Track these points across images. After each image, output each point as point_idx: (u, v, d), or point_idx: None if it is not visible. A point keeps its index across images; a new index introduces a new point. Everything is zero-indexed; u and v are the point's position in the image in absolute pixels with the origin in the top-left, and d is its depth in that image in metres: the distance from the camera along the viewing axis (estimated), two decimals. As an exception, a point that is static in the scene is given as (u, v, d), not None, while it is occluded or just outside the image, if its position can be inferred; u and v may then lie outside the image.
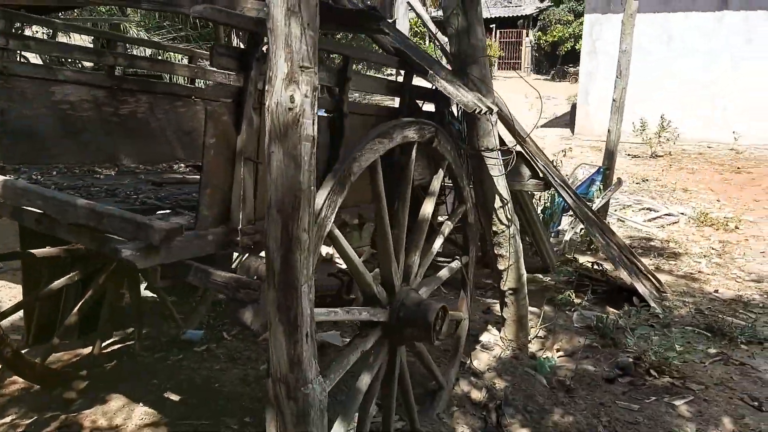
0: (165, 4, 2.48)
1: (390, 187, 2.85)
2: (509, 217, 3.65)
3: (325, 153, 2.53)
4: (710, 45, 12.01)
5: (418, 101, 3.26)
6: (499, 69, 32.06)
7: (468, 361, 3.93)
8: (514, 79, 29.78)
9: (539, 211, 6.14)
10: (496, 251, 3.80)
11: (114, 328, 4.06)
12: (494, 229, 3.71)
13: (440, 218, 4.09)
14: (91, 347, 3.76)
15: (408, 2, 8.15)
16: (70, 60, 5.94)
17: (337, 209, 2.24)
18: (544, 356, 3.92)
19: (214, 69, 3.28)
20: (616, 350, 4.08)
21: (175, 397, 3.43)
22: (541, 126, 15.52)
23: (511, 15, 32.48)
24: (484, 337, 4.21)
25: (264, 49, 1.99)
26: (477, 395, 3.61)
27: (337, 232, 2.31)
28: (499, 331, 4.15)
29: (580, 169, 6.63)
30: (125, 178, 3.02)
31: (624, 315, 4.50)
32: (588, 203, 6.14)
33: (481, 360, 3.96)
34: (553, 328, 4.42)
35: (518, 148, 3.99)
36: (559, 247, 6.08)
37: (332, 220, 2.22)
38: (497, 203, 3.60)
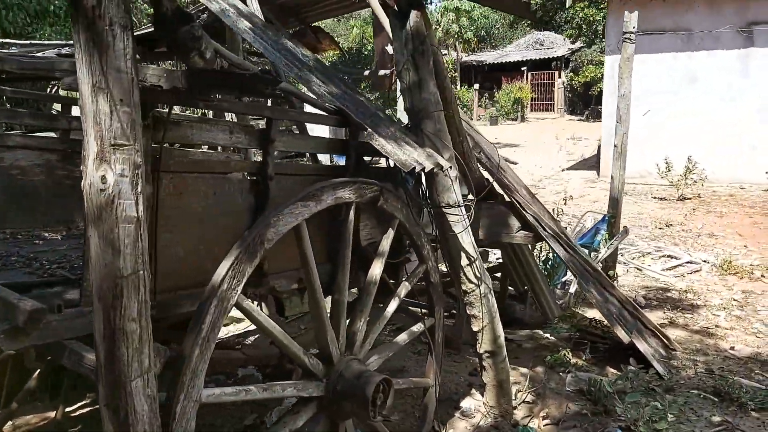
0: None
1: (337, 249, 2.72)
2: (478, 275, 3.44)
3: (248, 219, 2.42)
4: (736, 83, 11.60)
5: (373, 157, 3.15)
6: (531, 110, 31.98)
7: (442, 430, 3.67)
8: (547, 120, 29.61)
9: (541, 262, 5.86)
10: (468, 311, 3.57)
11: (80, 393, 3.97)
12: (464, 288, 3.50)
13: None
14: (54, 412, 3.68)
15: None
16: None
17: (245, 279, 2.11)
18: (525, 425, 3.62)
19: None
20: (607, 418, 3.74)
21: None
22: (568, 168, 15.20)
23: (543, 57, 32.52)
24: (466, 403, 3.94)
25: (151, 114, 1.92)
26: (448, 469, 3.35)
27: (247, 303, 2.17)
28: (483, 395, 3.89)
29: (588, 216, 6.34)
30: (68, 243, 2.97)
31: (621, 377, 4.16)
32: (593, 253, 5.85)
33: (457, 429, 3.69)
34: (542, 392, 4.11)
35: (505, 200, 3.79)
36: (564, 299, 5.77)
37: (238, 292, 2.09)
38: (464, 261, 3.41)
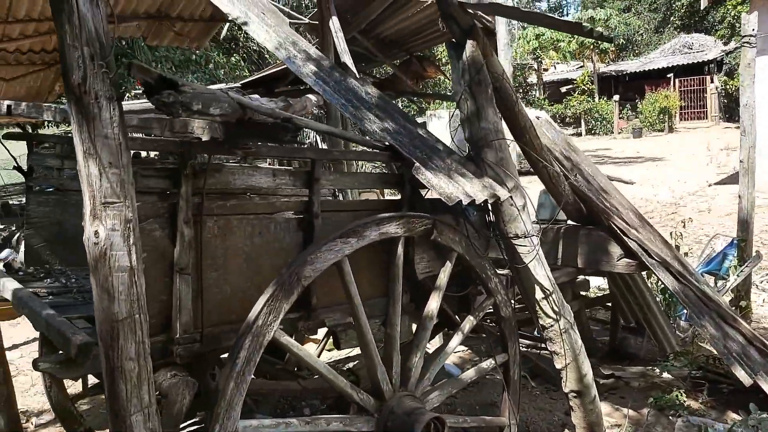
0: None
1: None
2: (556, 309, 3.25)
3: (295, 255, 2.52)
4: None
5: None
6: (681, 120, 29.52)
7: (525, 473, 3.49)
8: (699, 129, 27.10)
9: (659, 291, 5.35)
10: (549, 348, 3.38)
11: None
12: (541, 323, 3.32)
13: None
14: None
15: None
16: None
17: (281, 315, 2.20)
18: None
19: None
20: (717, 472, 3.32)
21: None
22: (716, 183, 13.79)
23: (692, 62, 29.99)
24: (556, 444, 3.72)
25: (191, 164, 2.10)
26: None
27: (286, 339, 2.26)
28: (575, 436, 3.63)
29: (717, 240, 5.68)
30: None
31: (741, 424, 3.67)
32: (720, 281, 5.25)
33: (542, 472, 3.49)
34: (645, 436, 3.75)
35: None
36: (688, 333, 5.22)
37: (274, 327, 2.18)
38: (538, 294, 3.23)
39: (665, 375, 4.55)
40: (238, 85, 6.82)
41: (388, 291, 2.82)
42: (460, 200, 2.83)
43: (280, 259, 2.47)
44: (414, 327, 3.11)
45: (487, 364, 3.14)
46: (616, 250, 4.37)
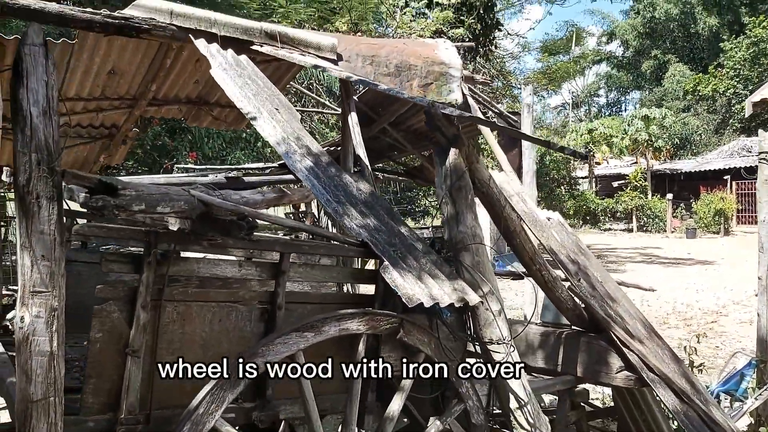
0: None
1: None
2: (531, 420, 3.16)
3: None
4: None
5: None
6: (739, 223, 28.61)
7: None
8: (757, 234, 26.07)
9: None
10: (525, 460, 3.26)
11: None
12: (516, 433, 3.23)
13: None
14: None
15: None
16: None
17: (224, 405, 2.26)
18: None
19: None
20: None
21: None
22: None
23: (751, 165, 29.35)
24: None
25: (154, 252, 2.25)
26: None
27: (227, 429, 2.30)
28: None
29: (739, 358, 5.38)
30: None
31: None
32: (737, 403, 4.96)
33: None
34: None
35: (531, 327, 3.51)
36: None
37: (216, 417, 2.24)
38: (513, 404, 3.17)
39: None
40: (270, 165, 7.13)
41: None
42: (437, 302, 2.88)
43: (239, 347, 2.54)
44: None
45: (453, 472, 3.05)
46: (615, 361, 4.23)
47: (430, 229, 17.35)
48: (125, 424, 2.23)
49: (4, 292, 3.35)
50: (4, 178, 3.35)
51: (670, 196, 28.99)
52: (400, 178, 8.68)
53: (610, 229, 32.10)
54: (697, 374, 5.48)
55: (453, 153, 3.15)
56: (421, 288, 2.76)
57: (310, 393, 2.49)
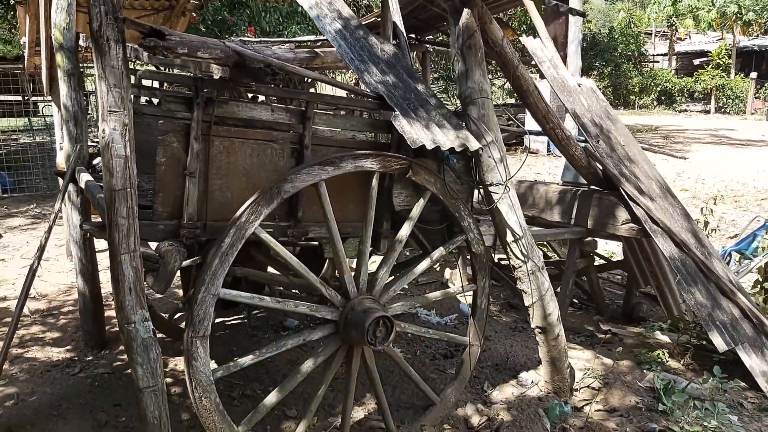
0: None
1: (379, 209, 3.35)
2: (525, 252, 3.69)
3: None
4: None
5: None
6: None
7: (489, 390, 4.02)
8: None
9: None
10: (519, 286, 3.84)
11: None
12: (512, 263, 3.78)
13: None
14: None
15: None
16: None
17: (262, 217, 2.88)
18: (565, 402, 3.77)
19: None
20: (659, 417, 3.67)
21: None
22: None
23: None
24: (526, 375, 4.19)
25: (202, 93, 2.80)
26: (476, 421, 3.73)
27: (264, 235, 2.94)
28: (549, 372, 4.09)
29: (758, 222, 5.58)
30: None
31: (704, 382, 3.94)
32: (745, 261, 5.31)
33: (504, 392, 4.00)
34: (612, 382, 4.12)
35: (551, 186, 3.93)
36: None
37: (255, 225, 2.87)
38: (509, 237, 3.69)
39: (660, 337, 4.80)
40: (322, 38, 7.46)
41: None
42: (450, 149, 3.35)
43: (274, 177, 3.14)
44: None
45: (453, 289, 3.68)
46: (622, 214, 4.64)
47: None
48: (187, 228, 2.91)
49: (89, 143, 4.07)
50: (81, 42, 3.93)
51: (754, 74, 27.07)
52: (448, 49, 8.80)
53: (685, 111, 30.59)
54: (710, 236, 5.81)
55: (465, 13, 3.45)
56: (426, 134, 3.23)
57: (331, 214, 3.08)
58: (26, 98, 11.55)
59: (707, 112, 29.49)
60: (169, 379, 4.08)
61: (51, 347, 4.72)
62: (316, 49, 3.85)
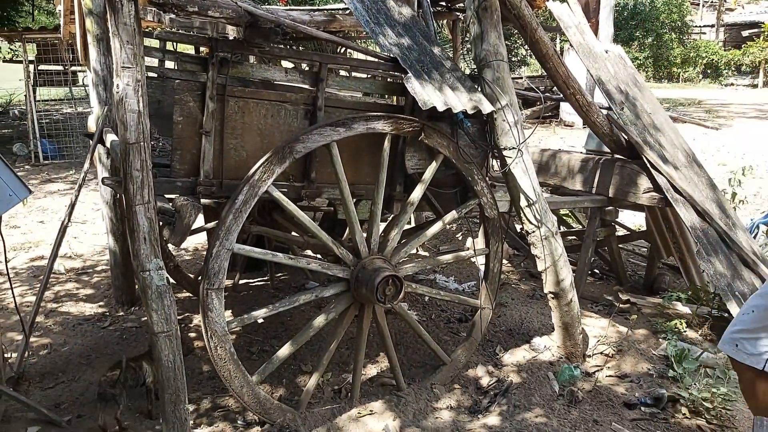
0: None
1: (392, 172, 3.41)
2: (538, 217, 3.69)
3: (301, 137, 3.24)
4: None
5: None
6: None
7: (501, 353, 4.08)
8: None
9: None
10: (532, 251, 3.86)
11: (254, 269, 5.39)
12: (525, 228, 3.79)
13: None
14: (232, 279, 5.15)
15: None
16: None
17: (274, 176, 2.97)
18: (572, 366, 3.81)
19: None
20: (669, 383, 3.67)
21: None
22: None
23: None
24: (539, 340, 4.22)
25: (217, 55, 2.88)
26: (486, 381, 3.80)
27: (277, 194, 3.03)
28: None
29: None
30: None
31: (717, 353, 3.91)
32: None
33: (515, 355, 4.05)
34: (626, 349, 4.12)
35: (574, 154, 3.90)
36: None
37: (268, 183, 2.96)
38: (522, 202, 3.69)
39: (680, 308, 4.76)
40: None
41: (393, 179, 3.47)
42: (462, 111, 3.36)
43: (286, 138, 3.22)
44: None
45: (465, 253, 3.72)
46: (644, 182, 4.57)
47: (524, 79, 17.00)
48: (203, 185, 3.02)
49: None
50: None
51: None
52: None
53: (732, 84, 29.40)
54: (738, 207, 5.67)
55: (480, -26, 3.42)
56: (439, 96, 3.24)
57: (342, 175, 3.14)
58: (66, 68, 11.86)
59: (755, 86, 28.27)
60: (192, 334, 4.26)
61: (84, 303, 4.96)
62: (333, 13, 3.87)
